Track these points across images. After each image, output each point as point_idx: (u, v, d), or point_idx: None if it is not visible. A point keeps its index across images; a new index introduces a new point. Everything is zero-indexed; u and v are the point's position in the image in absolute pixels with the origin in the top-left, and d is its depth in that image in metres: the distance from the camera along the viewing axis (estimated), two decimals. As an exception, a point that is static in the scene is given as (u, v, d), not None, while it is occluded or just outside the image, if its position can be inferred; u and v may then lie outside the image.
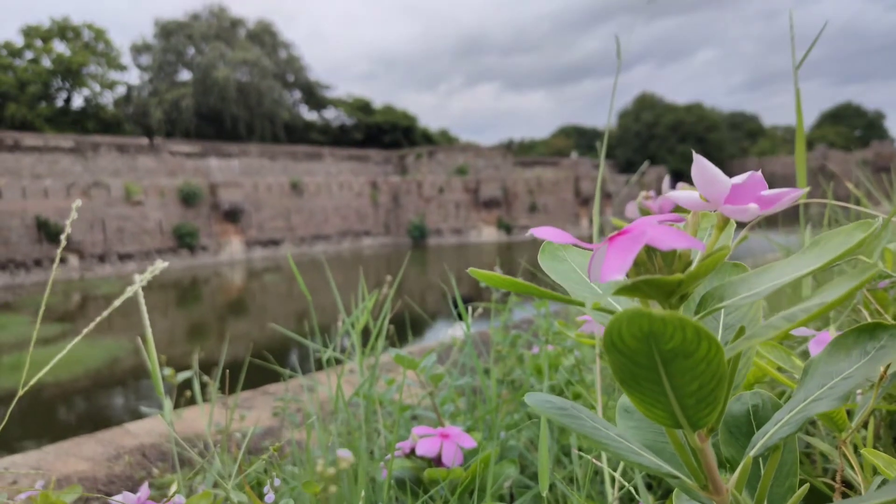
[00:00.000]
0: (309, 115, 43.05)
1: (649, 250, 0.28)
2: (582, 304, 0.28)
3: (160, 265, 0.58)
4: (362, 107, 44.69)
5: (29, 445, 1.93)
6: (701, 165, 0.27)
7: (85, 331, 0.59)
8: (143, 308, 0.60)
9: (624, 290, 0.26)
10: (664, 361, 0.24)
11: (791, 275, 0.27)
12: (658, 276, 0.26)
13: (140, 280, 0.58)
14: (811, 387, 0.31)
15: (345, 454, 0.40)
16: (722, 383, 0.26)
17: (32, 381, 0.56)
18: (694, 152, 0.28)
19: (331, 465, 0.39)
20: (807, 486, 0.32)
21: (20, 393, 0.60)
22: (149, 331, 0.72)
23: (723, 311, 0.32)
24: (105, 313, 0.57)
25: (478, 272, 0.28)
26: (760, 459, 0.36)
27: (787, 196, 0.27)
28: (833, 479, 0.59)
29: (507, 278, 0.27)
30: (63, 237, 0.59)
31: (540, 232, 0.27)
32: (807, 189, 0.28)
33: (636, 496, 0.64)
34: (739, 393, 0.37)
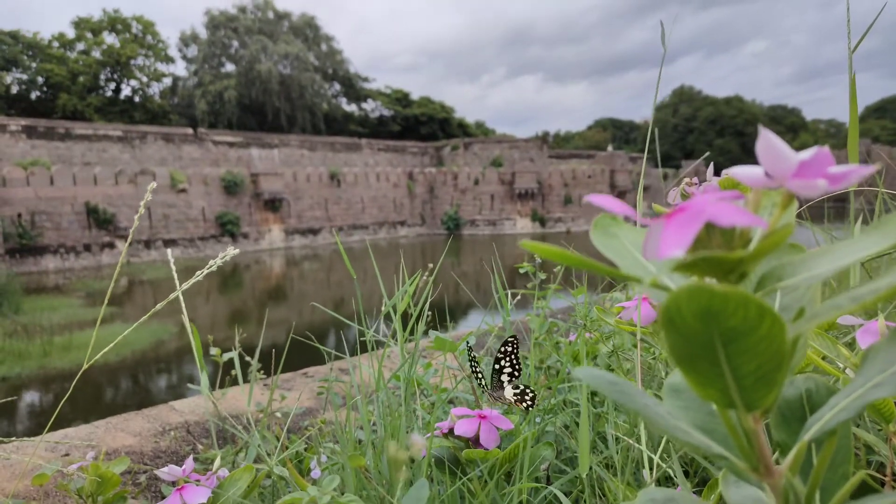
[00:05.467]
0: (348, 106, 43.47)
1: (708, 227, 0.26)
2: (637, 280, 0.27)
3: (231, 251, 0.61)
4: (400, 98, 44.90)
5: (80, 421, 2.02)
6: (767, 139, 0.25)
7: (152, 311, 0.61)
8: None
9: (682, 267, 0.25)
10: (724, 340, 0.24)
11: (855, 255, 0.25)
12: (719, 252, 0.25)
13: (211, 264, 0.61)
14: (871, 372, 0.30)
15: (418, 439, 0.41)
16: (782, 364, 0.25)
17: (102, 353, 0.59)
18: (760, 126, 0.26)
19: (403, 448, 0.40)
20: (862, 473, 0.31)
21: (85, 366, 0.64)
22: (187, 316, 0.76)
23: (779, 292, 0.31)
24: (181, 287, 0.60)
25: (529, 243, 0.27)
26: (813, 445, 0.35)
27: (856, 172, 0.25)
28: (878, 472, 0.58)
29: (560, 250, 0.27)
30: (131, 228, 0.62)
31: (597, 199, 0.26)
32: (878, 165, 0.26)
33: (674, 479, 0.64)
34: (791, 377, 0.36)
